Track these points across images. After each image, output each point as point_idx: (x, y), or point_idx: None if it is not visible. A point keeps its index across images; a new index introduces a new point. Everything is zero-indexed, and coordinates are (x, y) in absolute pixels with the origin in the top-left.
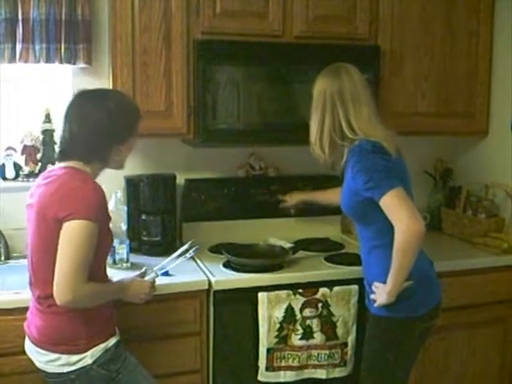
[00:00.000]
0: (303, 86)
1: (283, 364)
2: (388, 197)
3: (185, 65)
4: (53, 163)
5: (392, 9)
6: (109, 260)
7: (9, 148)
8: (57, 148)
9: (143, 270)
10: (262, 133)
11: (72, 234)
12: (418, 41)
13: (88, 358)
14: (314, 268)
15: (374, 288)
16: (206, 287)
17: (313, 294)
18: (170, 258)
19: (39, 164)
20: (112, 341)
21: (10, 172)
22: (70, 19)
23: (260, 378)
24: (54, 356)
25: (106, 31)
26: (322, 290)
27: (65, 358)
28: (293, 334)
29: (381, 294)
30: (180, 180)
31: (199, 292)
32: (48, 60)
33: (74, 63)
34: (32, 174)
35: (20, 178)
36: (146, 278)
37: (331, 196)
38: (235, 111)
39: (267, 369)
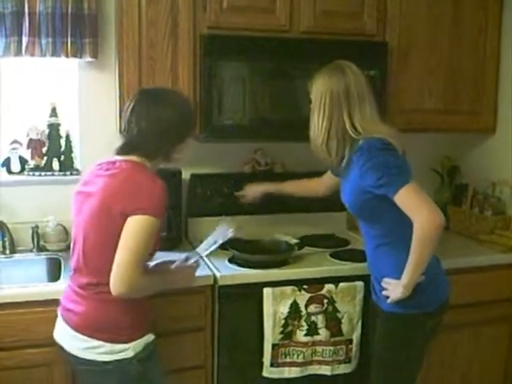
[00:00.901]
0: (310, 81)
1: (288, 360)
2: (403, 192)
3: (191, 60)
4: (58, 157)
5: (400, 5)
6: None
7: (14, 142)
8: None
9: (184, 256)
10: (267, 129)
11: (138, 228)
12: (426, 37)
13: (130, 350)
14: (319, 264)
15: (384, 284)
16: (212, 282)
17: (318, 290)
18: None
19: (45, 158)
20: (151, 337)
21: (15, 166)
22: (77, 13)
23: (264, 373)
24: (96, 343)
25: (112, 25)
26: (328, 286)
27: (108, 346)
28: (298, 330)
29: (394, 289)
30: (186, 175)
31: (204, 287)
32: (54, 54)
33: (81, 57)
34: (37, 168)
35: (25, 172)
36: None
37: (295, 188)
38: (241, 107)
39: (272, 364)
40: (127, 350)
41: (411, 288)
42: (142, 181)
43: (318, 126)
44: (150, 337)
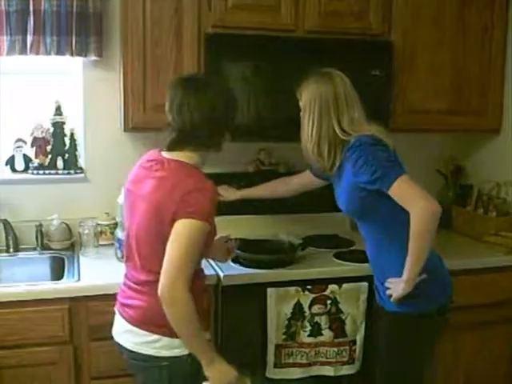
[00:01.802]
0: None
1: (291, 361)
2: (397, 184)
3: (195, 59)
4: (63, 156)
5: (405, 4)
6: (118, 254)
7: (19, 140)
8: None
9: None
10: (272, 128)
11: (185, 232)
12: (431, 37)
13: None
14: (323, 264)
15: (387, 284)
16: (215, 282)
17: (322, 291)
18: None
19: (49, 156)
20: (207, 335)
21: (19, 164)
22: (81, 12)
23: (268, 374)
24: (155, 337)
25: (117, 24)
26: (331, 287)
27: (166, 340)
28: (301, 331)
29: (397, 286)
30: None
31: (207, 287)
32: (59, 52)
33: (85, 56)
34: (42, 167)
35: (30, 170)
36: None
37: (263, 191)
38: (245, 106)
39: (275, 365)
40: (183, 347)
41: (413, 283)
42: (191, 184)
43: (308, 132)
44: (206, 335)
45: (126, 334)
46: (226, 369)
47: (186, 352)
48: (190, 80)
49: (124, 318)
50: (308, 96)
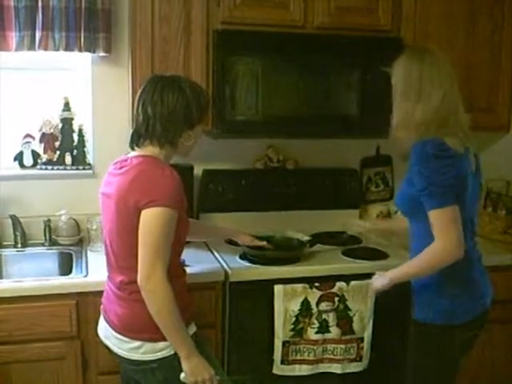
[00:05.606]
0: (323, 77)
1: (298, 357)
2: (438, 212)
3: (204, 55)
4: (71, 152)
5: (415, 0)
6: None
7: (27, 136)
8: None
9: None
10: (280, 125)
11: (152, 221)
12: (441, 33)
13: (172, 347)
14: (331, 262)
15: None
16: (223, 279)
17: (329, 288)
18: None
19: (57, 152)
20: (192, 329)
21: (28, 160)
22: (90, 7)
23: (275, 370)
24: (137, 343)
25: (125, 20)
26: (339, 284)
27: (149, 346)
28: (308, 328)
29: (380, 279)
30: (198, 171)
31: (215, 283)
32: (67, 48)
33: (94, 52)
34: (50, 162)
35: (38, 166)
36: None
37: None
38: (254, 103)
39: (282, 362)
40: (169, 347)
41: (391, 284)
42: (153, 173)
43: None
44: (190, 329)
45: (113, 340)
46: (202, 365)
47: (172, 352)
48: (158, 79)
49: (108, 323)
50: (394, 73)
